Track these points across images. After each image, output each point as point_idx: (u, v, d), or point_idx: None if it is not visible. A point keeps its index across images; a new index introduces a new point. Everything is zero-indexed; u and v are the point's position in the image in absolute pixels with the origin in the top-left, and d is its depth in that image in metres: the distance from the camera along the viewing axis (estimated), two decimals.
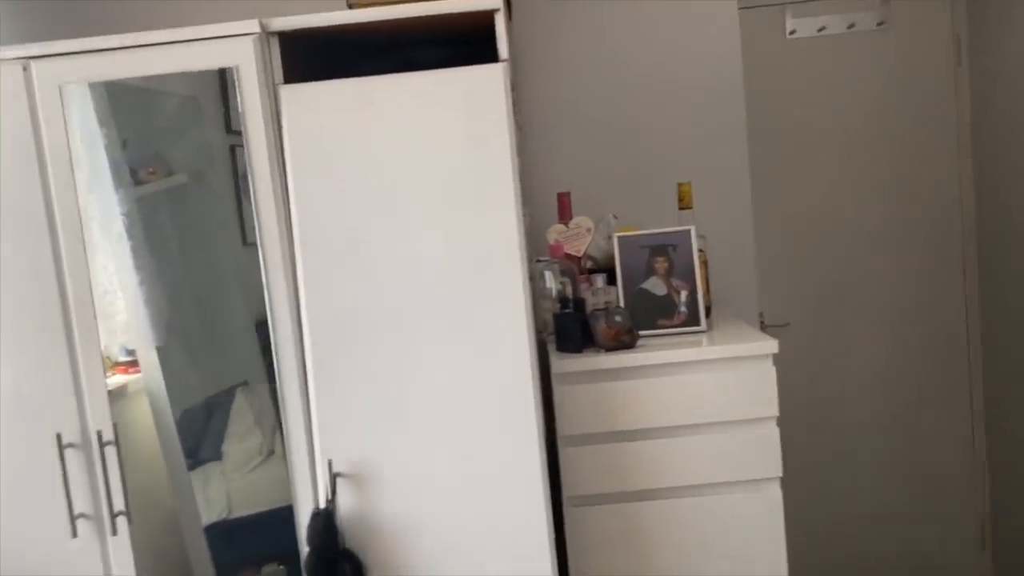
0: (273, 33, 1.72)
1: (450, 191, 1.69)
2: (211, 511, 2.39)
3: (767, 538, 1.83)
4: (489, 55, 1.73)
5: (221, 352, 2.74)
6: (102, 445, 1.74)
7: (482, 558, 1.71)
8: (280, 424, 2.83)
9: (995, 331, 2.72)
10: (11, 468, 1.73)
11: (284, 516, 2.77)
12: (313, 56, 1.87)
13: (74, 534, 1.74)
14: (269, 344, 2.82)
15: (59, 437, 1.72)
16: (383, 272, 1.70)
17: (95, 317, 1.76)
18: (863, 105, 2.77)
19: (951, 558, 2.89)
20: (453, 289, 1.69)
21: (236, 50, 1.70)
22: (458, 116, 1.69)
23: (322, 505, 1.71)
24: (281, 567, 2.63)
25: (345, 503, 1.71)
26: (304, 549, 1.73)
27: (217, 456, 2.56)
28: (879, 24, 2.76)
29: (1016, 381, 2.61)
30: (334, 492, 1.69)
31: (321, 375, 1.72)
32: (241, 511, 2.58)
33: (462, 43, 1.86)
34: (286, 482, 2.78)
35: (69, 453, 1.74)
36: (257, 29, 1.69)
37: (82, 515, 1.75)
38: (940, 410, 2.84)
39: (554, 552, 1.72)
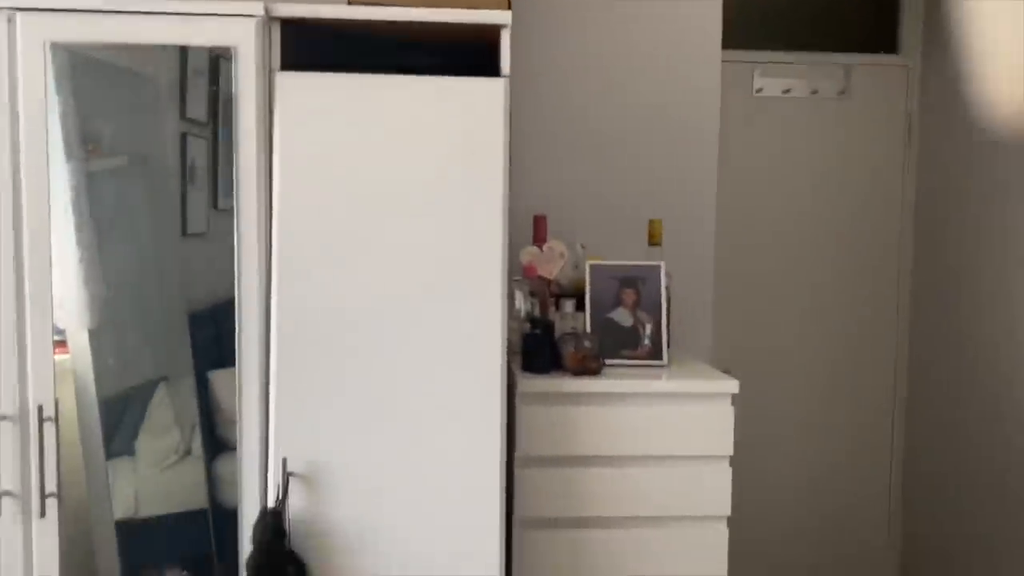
0: (275, 18, 1.70)
1: (438, 199, 1.69)
2: (118, 507, 2.28)
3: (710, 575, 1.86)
4: (482, 67, 1.74)
5: (149, 343, 2.64)
6: (41, 420, 1.65)
7: (431, 572, 1.68)
8: (199, 424, 2.74)
9: (919, 394, 2.86)
10: None
11: (195, 519, 2.67)
12: (300, 48, 1.84)
13: None
14: (198, 339, 2.74)
15: None
16: (360, 273, 1.68)
17: (50, 288, 1.67)
18: (820, 166, 2.89)
19: None
20: (430, 298, 1.68)
21: (237, 30, 1.67)
22: (454, 125, 1.70)
23: (271, 504, 1.66)
24: (185, 573, 2.53)
25: (296, 504, 1.66)
26: (246, 547, 1.66)
27: (130, 451, 2.46)
28: (840, 93, 2.90)
29: (932, 454, 2.75)
30: (286, 492, 1.64)
31: (284, 371, 1.67)
32: (150, 510, 2.48)
33: (453, 52, 1.87)
34: (200, 484, 2.68)
35: (3, 425, 1.64)
36: (261, 12, 1.67)
37: (8, 493, 1.65)
38: (863, 472, 2.95)
39: (504, 572, 1.71)
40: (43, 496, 1.65)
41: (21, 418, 1.65)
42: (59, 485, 1.67)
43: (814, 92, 2.89)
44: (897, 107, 2.91)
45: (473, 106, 1.70)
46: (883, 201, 2.92)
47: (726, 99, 2.59)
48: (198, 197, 2.96)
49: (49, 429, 1.66)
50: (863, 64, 2.89)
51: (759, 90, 2.87)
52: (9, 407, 1.64)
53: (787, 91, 2.88)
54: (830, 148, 2.90)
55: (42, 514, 1.65)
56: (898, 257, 2.93)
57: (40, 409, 1.65)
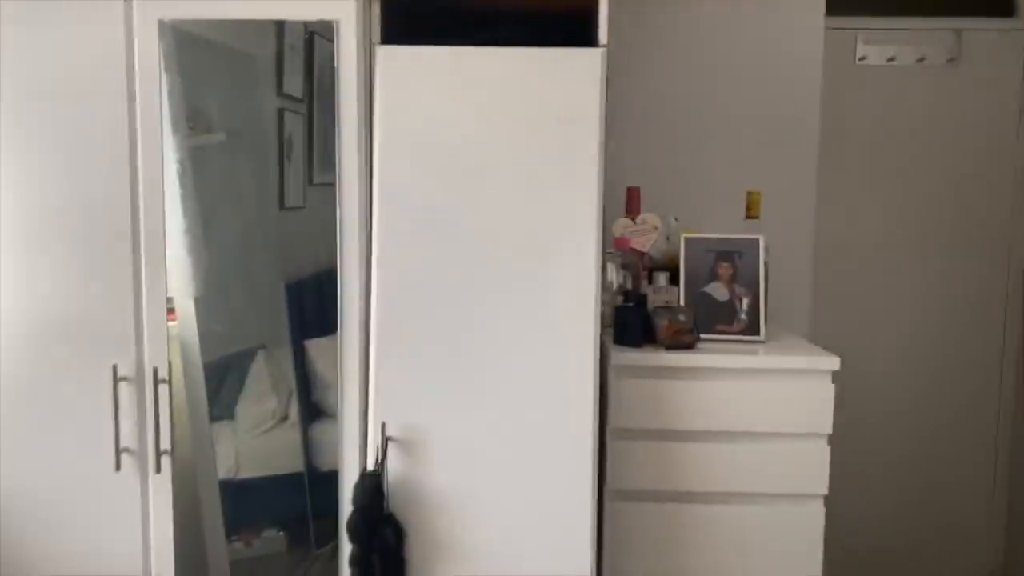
0: None
1: (534, 170, 1.69)
2: (220, 468, 2.38)
3: (805, 554, 1.82)
4: (575, 39, 1.72)
5: (248, 313, 2.74)
6: (157, 382, 1.73)
7: (522, 539, 1.70)
8: (296, 391, 2.83)
9: None
10: (62, 394, 1.73)
11: (291, 483, 2.77)
12: (393, 20, 1.86)
13: (117, 467, 1.73)
14: (295, 310, 2.83)
15: (115, 369, 1.72)
16: (458, 242, 1.70)
17: (164, 255, 1.75)
18: (926, 139, 2.77)
19: None
20: (525, 268, 1.69)
21: (339, 4, 1.70)
22: (551, 96, 1.69)
23: (370, 468, 1.71)
24: (281, 534, 2.63)
25: (393, 468, 1.70)
26: (346, 509, 1.71)
27: (230, 415, 2.56)
28: (949, 60, 2.76)
29: None
30: (384, 456, 1.68)
31: (384, 337, 1.71)
32: (247, 473, 2.58)
33: (544, 24, 1.85)
34: (297, 449, 2.78)
35: (122, 386, 1.73)
36: None
37: (127, 449, 1.74)
38: (966, 450, 2.84)
39: (595, 543, 1.72)
40: (158, 453, 1.74)
41: (138, 380, 1.73)
42: (172, 444, 1.75)
43: (921, 60, 2.76)
44: (1011, 75, 2.74)
45: (570, 77, 1.69)
46: (994, 176, 2.77)
47: (828, 68, 2.50)
48: (295, 172, 3.04)
49: (163, 390, 1.74)
50: (975, 29, 2.73)
51: (862, 58, 2.76)
52: (127, 369, 1.72)
53: (891, 59, 2.76)
54: (937, 120, 2.76)
55: (157, 470, 1.74)
56: (1009, 235, 2.78)
57: (155, 371, 1.73)
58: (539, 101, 1.69)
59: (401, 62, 1.71)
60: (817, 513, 1.83)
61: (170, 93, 2.12)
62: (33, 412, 1.73)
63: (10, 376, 1.72)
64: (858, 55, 2.76)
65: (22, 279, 1.71)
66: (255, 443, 2.67)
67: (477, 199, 1.70)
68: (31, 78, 1.69)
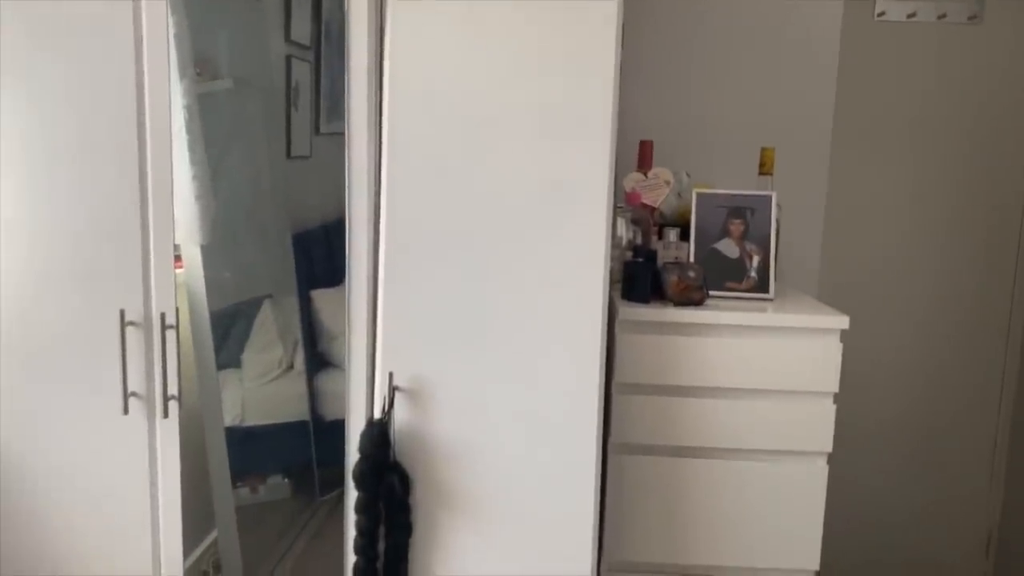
0: None
1: (546, 122, 1.66)
2: (226, 415, 2.40)
3: (806, 511, 1.84)
4: None
5: (255, 262, 2.74)
6: (164, 327, 1.73)
7: (527, 490, 1.72)
8: (302, 340, 2.84)
9: None
10: (70, 338, 1.73)
11: (296, 431, 2.80)
12: None
13: (125, 411, 1.74)
14: (301, 259, 2.82)
15: (122, 313, 1.71)
16: (467, 193, 1.68)
17: (172, 203, 1.73)
18: (945, 99, 2.72)
19: (954, 562, 2.92)
20: (535, 220, 1.68)
21: None
22: (565, 47, 1.65)
23: (377, 416, 1.71)
24: (286, 480, 2.66)
25: (400, 417, 1.71)
26: (352, 457, 1.73)
27: (236, 363, 2.57)
28: (971, 18, 2.71)
29: None
30: (391, 405, 1.69)
31: (391, 287, 1.70)
32: (253, 421, 2.60)
33: None
34: (301, 397, 2.80)
35: (130, 331, 1.73)
36: None
37: (134, 394, 1.75)
38: (966, 415, 2.85)
39: (599, 496, 1.73)
40: (166, 398, 1.74)
41: (145, 325, 1.73)
42: (179, 390, 1.75)
43: (942, 16, 2.70)
44: None
45: (585, 27, 1.65)
46: (1014, 137, 2.73)
47: (846, 23, 2.45)
48: (301, 121, 3.02)
49: (171, 336, 1.73)
50: None
51: (881, 14, 2.70)
52: (134, 314, 1.72)
53: (912, 15, 2.70)
54: (957, 79, 2.71)
55: (165, 415, 1.75)
56: None
57: (163, 317, 1.72)
58: (553, 51, 1.65)
59: (413, 10, 1.67)
60: (821, 471, 1.84)
61: (177, 36, 2.08)
62: (40, 356, 1.73)
63: (17, 320, 1.72)
64: (877, 11, 2.70)
65: (29, 223, 1.70)
66: (261, 391, 2.69)
67: (488, 150, 1.68)
68: (35, 19, 1.65)
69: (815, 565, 1.88)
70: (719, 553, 1.87)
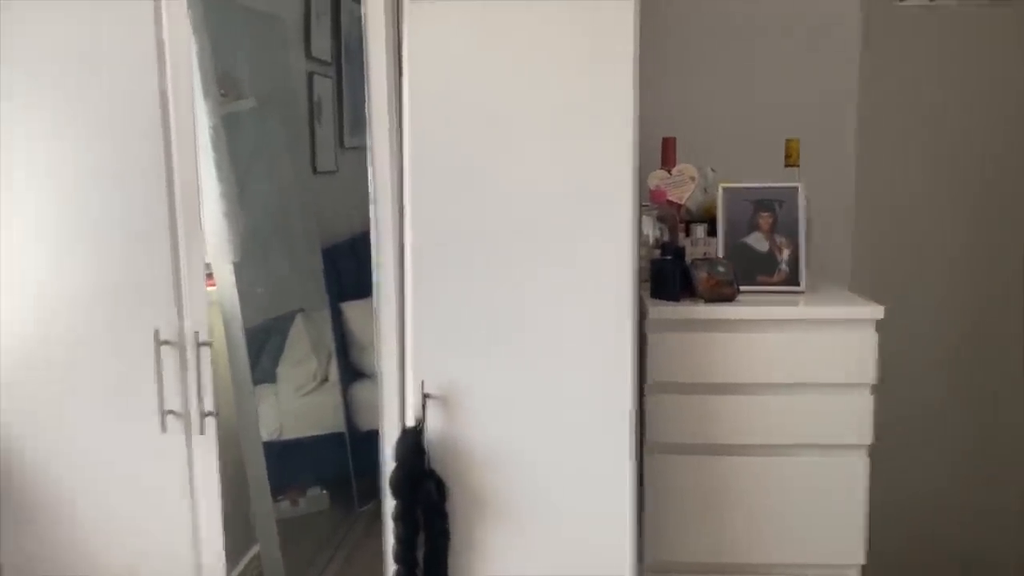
0: None
1: (568, 122, 1.66)
2: (263, 430, 2.41)
3: (848, 505, 1.81)
4: None
5: (286, 276, 2.76)
6: (199, 345, 1.75)
7: (563, 492, 1.71)
8: (335, 352, 2.85)
9: None
10: (107, 359, 1.75)
11: (332, 442, 2.81)
12: None
13: (163, 429, 1.76)
14: (331, 273, 2.84)
15: (156, 333, 1.73)
16: (491, 197, 1.68)
17: (200, 219, 1.75)
18: (970, 85, 2.67)
19: (1008, 559, 2.85)
20: (561, 221, 1.67)
21: None
22: (583, 46, 1.65)
23: (410, 424, 1.72)
24: (324, 492, 2.68)
25: (433, 425, 1.71)
26: (389, 466, 1.73)
27: (272, 378, 2.59)
28: (993, 1, 2.66)
29: None
30: (424, 413, 1.69)
31: (419, 295, 1.71)
32: (291, 434, 2.62)
33: None
34: (337, 409, 2.82)
35: (165, 350, 1.75)
36: None
37: (171, 412, 1.77)
38: (1010, 397, 2.79)
39: (635, 497, 1.72)
40: (202, 415, 1.76)
41: (179, 344, 1.75)
42: (215, 406, 1.77)
43: (964, 0, 2.66)
44: None
45: (602, 25, 1.65)
46: None
47: (866, 10, 2.42)
48: (326, 136, 3.05)
49: (205, 353, 1.75)
50: None
51: None
52: (169, 333, 1.74)
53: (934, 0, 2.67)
54: (981, 64, 2.66)
55: (201, 431, 1.76)
56: None
57: (196, 334, 1.74)
58: (571, 51, 1.65)
59: (430, 16, 1.68)
60: (862, 463, 1.81)
61: (200, 57, 2.12)
62: (77, 376, 1.76)
63: (54, 342, 1.75)
64: None
65: (62, 246, 1.73)
66: (297, 404, 2.71)
67: (510, 154, 1.68)
68: (60, 44, 1.69)
69: (860, 559, 1.85)
70: (760, 550, 1.84)
